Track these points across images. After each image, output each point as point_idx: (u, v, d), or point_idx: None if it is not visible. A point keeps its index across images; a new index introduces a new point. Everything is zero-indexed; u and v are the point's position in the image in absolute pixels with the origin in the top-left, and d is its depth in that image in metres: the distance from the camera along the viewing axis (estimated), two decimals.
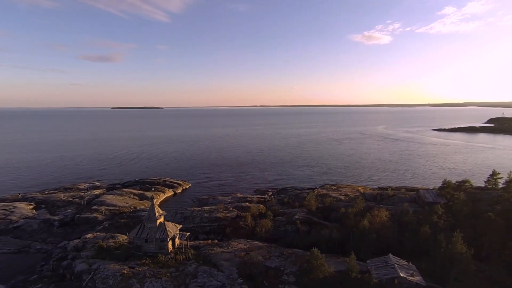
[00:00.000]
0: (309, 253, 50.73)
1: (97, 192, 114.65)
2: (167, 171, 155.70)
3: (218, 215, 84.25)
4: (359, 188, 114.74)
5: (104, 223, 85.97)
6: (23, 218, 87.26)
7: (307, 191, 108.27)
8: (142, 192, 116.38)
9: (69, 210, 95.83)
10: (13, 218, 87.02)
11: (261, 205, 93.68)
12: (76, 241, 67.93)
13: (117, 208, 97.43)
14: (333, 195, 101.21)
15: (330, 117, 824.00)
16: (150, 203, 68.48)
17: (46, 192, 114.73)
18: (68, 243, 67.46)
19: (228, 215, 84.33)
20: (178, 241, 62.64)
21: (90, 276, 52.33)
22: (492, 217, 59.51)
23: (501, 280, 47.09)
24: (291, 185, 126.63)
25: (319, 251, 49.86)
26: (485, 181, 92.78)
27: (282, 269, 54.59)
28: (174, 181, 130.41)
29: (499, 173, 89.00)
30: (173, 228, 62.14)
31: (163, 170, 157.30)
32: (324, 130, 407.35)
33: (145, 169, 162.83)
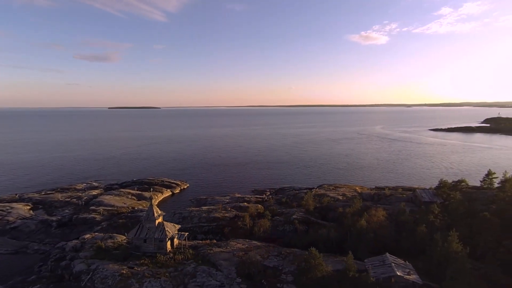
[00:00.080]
0: (307, 253, 51.22)
1: (94, 192, 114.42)
2: (165, 171, 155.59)
3: (217, 215, 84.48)
4: (357, 188, 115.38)
5: (102, 223, 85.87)
6: (20, 219, 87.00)
7: (305, 191, 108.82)
8: (140, 192, 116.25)
9: (67, 211, 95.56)
10: (10, 218, 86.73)
11: (259, 205, 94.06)
12: (75, 241, 67.96)
13: (115, 209, 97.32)
14: (331, 195, 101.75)
15: (328, 117, 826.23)
16: (148, 204, 68.63)
17: (43, 193, 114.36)
18: (66, 243, 67.47)
19: (227, 215, 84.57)
20: (177, 241, 62.83)
21: (89, 276, 52.41)
22: (488, 216, 60.20)
23: (496, 279, 47.77)
24: (289, 185, 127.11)
25: (317, 251, 50.32)
26: (480, 181, 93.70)
27: (280, 268, 54.95)
28: (172, 181, 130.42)
29: (494, 173, 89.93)
30: (171, 228, 62.33)
31: (161, 170, 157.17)
32: (322, 130, 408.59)
33: (142, 169, 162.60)
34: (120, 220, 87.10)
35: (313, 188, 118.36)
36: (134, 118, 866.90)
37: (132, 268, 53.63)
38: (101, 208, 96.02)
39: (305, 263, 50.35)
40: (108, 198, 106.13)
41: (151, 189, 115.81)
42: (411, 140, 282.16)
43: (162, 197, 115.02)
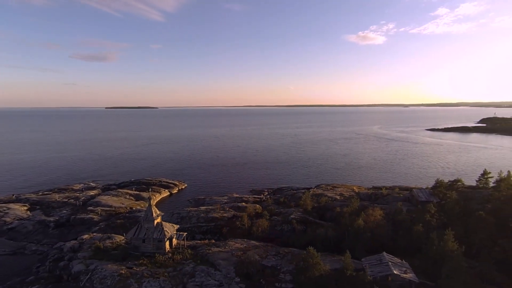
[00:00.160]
0: (305, 252, 51.62)
1: (92, 192, 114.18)
2: (163, 171, 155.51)
3: (215, 215, 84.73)
4: (354, 188, 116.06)
5: (100, 224, 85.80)
6: (17, 220, 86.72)
7: (303, 191, 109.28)
8: (138, 192, 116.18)
9: (65, 211, 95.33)
10: (7, 219, 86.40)
11: (257, 205, 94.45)
12: (73, 242, 67.93)
13: (113, 209, 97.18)
14: (329, 194, 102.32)
15: (326, 117, 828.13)
16: (146, 204, 68.78)
17: (41, 193, 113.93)
18: (64, 244, 67.43)
19: (225, 215, 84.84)
20: (176, 241, 63.05)
21: (87, 277, 52.51)
22: (483, 215, 60.85)
23: (491, 277, 48.48)
24: (287, 185, 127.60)
25: (315, 250, 50.72)
26: (476, 181, 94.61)
27: (278, 267, 55.36)
28: (170, 181, 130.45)
29: (489, 173, 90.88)
30: (170, 228, 62.53)
31: (159, 171, 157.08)
32: (320, 130, 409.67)
33: (140, 169, 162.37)
34: (118, 221, 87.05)
35: (311, 188, 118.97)
36: (131, 118, 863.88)
37: (131, 268, 53.78)
38: (99, 209, 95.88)
39: (303, 262, 50.75)
40: (106, 199, 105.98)
41: (149, 189, 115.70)
42: (408, 140, 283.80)
43: (160, 197, 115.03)
